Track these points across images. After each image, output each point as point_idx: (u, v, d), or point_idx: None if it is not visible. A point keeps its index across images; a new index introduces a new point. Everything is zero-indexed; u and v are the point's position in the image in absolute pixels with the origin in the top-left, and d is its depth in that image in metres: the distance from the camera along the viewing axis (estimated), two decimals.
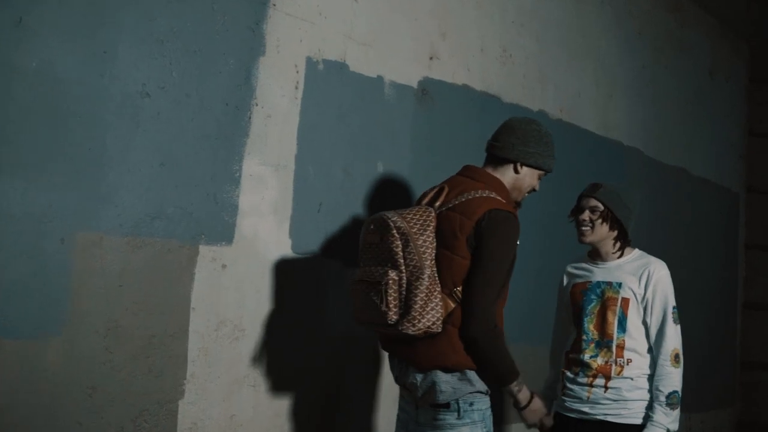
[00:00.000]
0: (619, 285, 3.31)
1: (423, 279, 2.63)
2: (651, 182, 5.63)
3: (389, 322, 2.65)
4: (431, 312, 2.65)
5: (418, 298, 2.63)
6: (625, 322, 3.26)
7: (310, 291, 3.41)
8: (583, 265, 3.45)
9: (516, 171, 2.93)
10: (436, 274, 2.68)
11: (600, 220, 3.30)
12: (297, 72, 3.39)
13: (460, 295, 2.73)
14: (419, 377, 2.78)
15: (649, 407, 3.20)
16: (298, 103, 3.39)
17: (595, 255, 3.43)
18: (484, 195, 2.79)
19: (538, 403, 2.92)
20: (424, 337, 2.69)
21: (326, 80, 3.49)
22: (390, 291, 2.64)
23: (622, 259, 3.38)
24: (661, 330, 3.25)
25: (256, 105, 3.25)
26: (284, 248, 3.35)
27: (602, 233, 3.33)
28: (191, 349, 3.03)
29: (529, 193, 3.00)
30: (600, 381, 3.24)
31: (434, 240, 2.71)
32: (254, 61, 3.24)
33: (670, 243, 5.73)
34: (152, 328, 2.94)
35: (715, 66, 6.43)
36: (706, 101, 6.33)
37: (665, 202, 5.74)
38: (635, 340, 3.27)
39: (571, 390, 3.35)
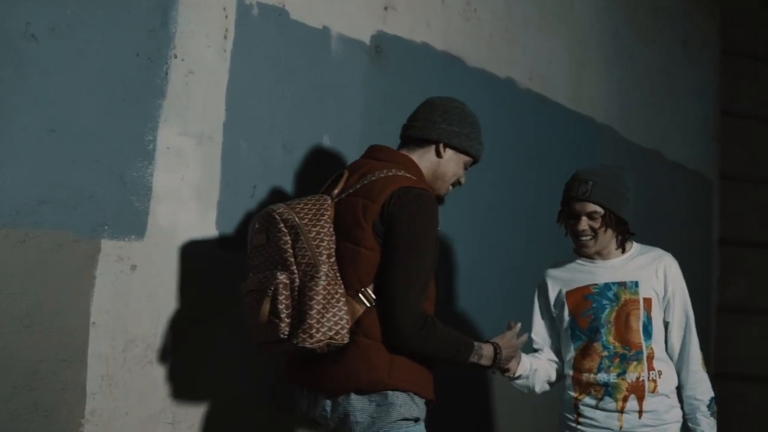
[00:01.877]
0: (636, 284, 3.24)
1: (319, 279, 2.58)
2: (625, 166, 5.36)
3: (282, 335, 2.60)
4: (333, 319, 2.58)
5: (314, 302, 2.56)
6: (651, 327, 3.23)
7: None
8: (576, 265, 3.35)
9: (438, 154, 2.89)
10: (336, 273, 2.63)
11: (602, 228, 3.21)
12: (226, 17, 3.24)
13: (371, 297, 2.66)
14: (329, 406, 2.73)
15: (688, 423, 3.26)
16: (227, 56, 3.22)
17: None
18: (390, 174, 2.75)
19: (505, 347, 2.94)
20: (329, 353, 2.64)
21: (262, 29, 3.36)
22: (280, 297, 2.59)
23: (626, 254, 3.30)
24: (687, 333, 3.25)
25: (175, 57, 3.08)
26: (210, 243, 3.18)
27: (607, 239, 3.25)
28: (91, 377, 2.86)
29: (454, 186, 2.96)
30: (633, 404, 3.20)
31: (331, 232, 2.67)
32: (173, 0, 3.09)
33: (641, 238, 5.33)
34: (39, 351, 2.76)
35: (688, 35, 6.51)
36: (680, 74, 6.42)
37: (639, 190, 5.31)
38: (660, 346, 3.25)
39: (593, 420, 3.26)
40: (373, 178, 2.76)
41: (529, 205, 4.69)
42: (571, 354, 3.31)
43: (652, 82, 6.06)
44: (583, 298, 3.30)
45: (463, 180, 2.97)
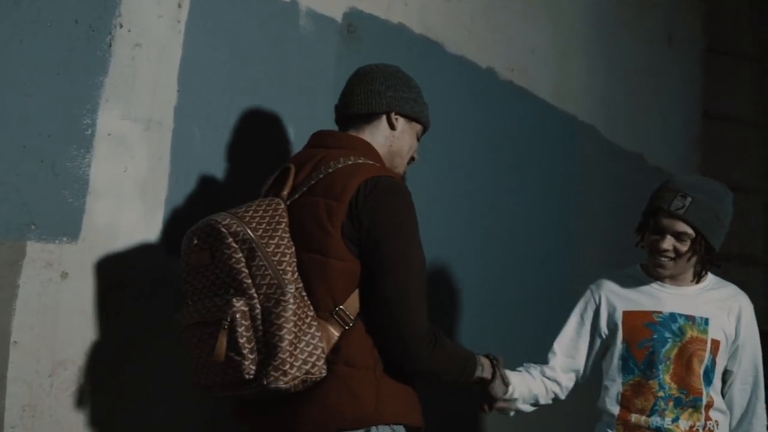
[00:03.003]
0: (706, 321, 3.09)
1: (287, 302, 2.37)
2: (607, 171, 5.66)
3: (247, 376, 2.39)
4: (306, 350, 2.39)
5: (285, 331, 2.35)
6: (713, 373, 3.09)
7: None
8: (640, 284, 3.20)
9: (391, 125, 2.75)
10: (303, 292, 2.44)
11: (688, 253, 3.04)
12: None
13: (348, 317, 2.49)
14: None
15: None
16: (181, 29, 3.07)
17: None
18: (349, 163, 2.59)
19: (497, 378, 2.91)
20: (303, 391, 2.45)
21: None
22: (239, 329, 2.38)
23: (700, 285, 3.16)
24: (755, 390, 3.15)
25: (120, 27, 2.91)
26: (156, 248, 3.02)
27: (687, 265, 3.10)
28: (11, 407, 2.68)
29: (410, 163, 2.85)
30: None
31: (290, 242, 2.47)
32: None
33: (620, 248, 5.34)
34: None
35: (674, 30, 6.55)
36: (664, 72, 6.40)
37: (620, 198, 5.67)
38: (719, 395, 3.13)
39: None
40: (330, 171, 2.58)
41: (510, 203, 4.63)
42: (618, 388, 3.16)
43: (636, 79, 6.07)
44: (643, 325, 3.15)
45: (416, 155, 2.86)
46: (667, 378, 3.07)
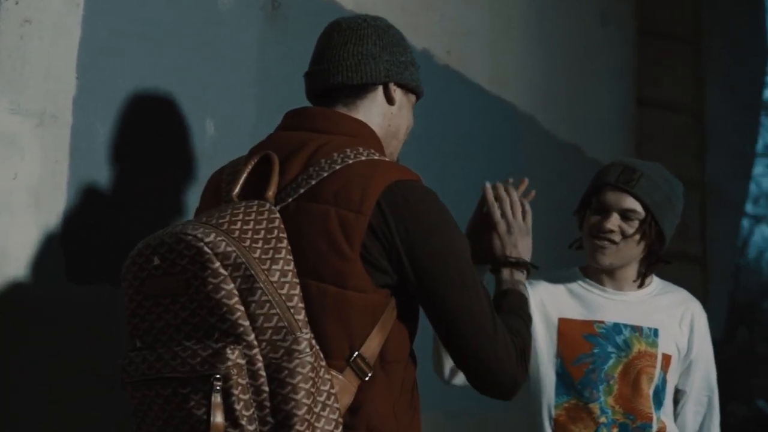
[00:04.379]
0: (656, 333, 2.94)
1: (302, 353, 1.99)
2: (546, 164, 5.64)
3: None
4: (324, 414, 2.02)
5: (302, 394, 1.98)
6: (664, 394, 2.94)
7: (100, 351, 2.89)
8: (578, 286, 3.03)
9: (389, 99, 2.39)
10: (313, 338, 2.05)
11: (636, 236, 2.87)
12: None
13: (368, 364, 2.14)
14: None
15: None
16: (79, 2, 2.86)
17: (599, 275, 3.01)
18: (362, 158, 2.19)
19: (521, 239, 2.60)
20: None
21: None
22: (236, 392, 1.97)
23: (644, 290, 3.01)
24: (710, 413, 3.02)
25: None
26: (54, 271, 2.80)
27: (632, 254, 2.92)
28: None
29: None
30: None
31: (295, 268, 2.07)
32: None
33: (556, 248, 5.42)
34: None
35: (607, 9, 6.66)
36: (599, 56, 6.54)
37: (559, 193, 5.63)
38: (670, 418, 2.99)
39: None
40: (338, 167, 2.18)
41: (449, 195, 4.55)
42: (551, 410, 2.98)
43: (572, 64, 6.14)
44: (582, 337, 2.98)
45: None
46: (611, 400, 2.92)
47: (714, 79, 7.81)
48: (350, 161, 2.17)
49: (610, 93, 6.71)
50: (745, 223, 18.09)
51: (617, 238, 2.88)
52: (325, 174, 2.16)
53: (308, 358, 1.99)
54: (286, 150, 2.23)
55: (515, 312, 2.38)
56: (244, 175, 2.21)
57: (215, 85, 3.30)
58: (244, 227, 2.06)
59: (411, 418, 2.21)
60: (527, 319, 2.39)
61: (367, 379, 2.13)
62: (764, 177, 25.47)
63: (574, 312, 2.99)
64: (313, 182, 2.17)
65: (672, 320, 2.98)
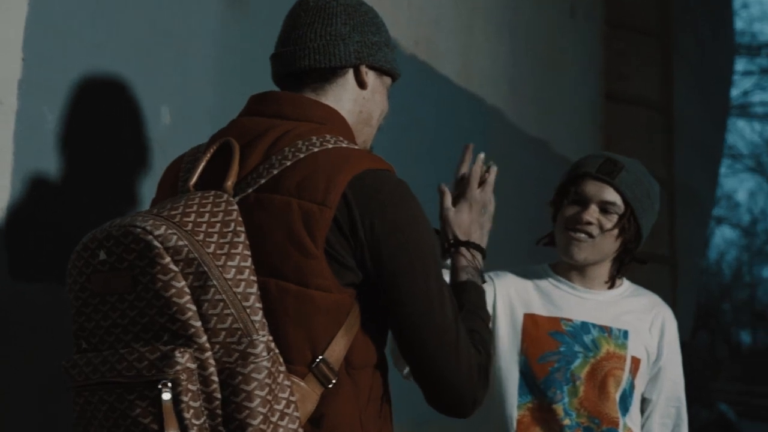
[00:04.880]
0: (625, 335, 2.90)
1: (258, 358, 1.91)
2: (514, 159, 5.66)
3: None
4: (282, 424, 1.93)
5: (257, 402, 1.89)
6: (631, 399, 2.89)
7: (47, 354, 2.81)
8: (547, 283, 2.98)
9: (361, 84, 2.29)
10: (270, 337, 1.96)
11: (613, 231, 2.82)
12: None
13: (332, 370, 2.06)
14: None
15: None
16: None
17: (569, 272, 2.95)
18: (329, 146, 2.11)
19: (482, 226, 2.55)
20: None
21: None
22: (185, 399, 1.89)
23: (616, 291, 2.96)
24: (679, 425, 2.96)
25: None
26: None
27: (607, 250, 2.86)
28: None
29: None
30: None
31: (253, 265, 1.98)
32: None
33: (524, 247, 5.47)
34: None
35: (576, 0, 6.71)
36: (568, 48, 6.61)
37: (527, 189, 5.76)
38: (637, 425, 2.94)
39: None
40: (302, 156, 2.09)
41: (413, 190, 4.58)
42: (513, 411, 2.92)
43: (540, 56, 6.14)
44: (548, 335, 2.91)
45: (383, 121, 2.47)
46: (575, 402, 2.88)
47: (683, 75, 7.83)
48: (316, 149, 2.09)
49: (579, 87, 6.74)
50: None
51: (595, 231, 2.82)
52: (288, 163, 2.08)
53: (264, 363, 1.91)
54: (248, 137, 2.16)
55: (477, 312, 2.32)
56: (203, 164, 2.13)
57: (171, 70, 3.22)
58: (199, 220, 1.98)
59: (380, 428, 2.13)
60: (487, 319, 2.33)
61: (330, 386, 2.06)
62: (726, 177, 25.71)
63: (541, 308, 2.94)
64: (275, 172, 2.09)
65: (642, 324, 2.93)
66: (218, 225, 1.96)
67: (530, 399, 2.90)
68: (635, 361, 2.87)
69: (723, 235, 25.39)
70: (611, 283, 2.94)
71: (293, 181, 2.06)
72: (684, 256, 7.50)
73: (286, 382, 1.94)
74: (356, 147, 2.15)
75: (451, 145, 4.74)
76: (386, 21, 4.21)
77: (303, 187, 2.05)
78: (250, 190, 2.08)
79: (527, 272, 3.03)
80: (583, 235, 2.83)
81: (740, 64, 22.35)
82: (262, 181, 2.08)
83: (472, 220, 2.51)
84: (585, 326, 2.89)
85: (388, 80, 2.35)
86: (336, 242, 2.04)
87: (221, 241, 1.95)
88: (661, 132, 7.28)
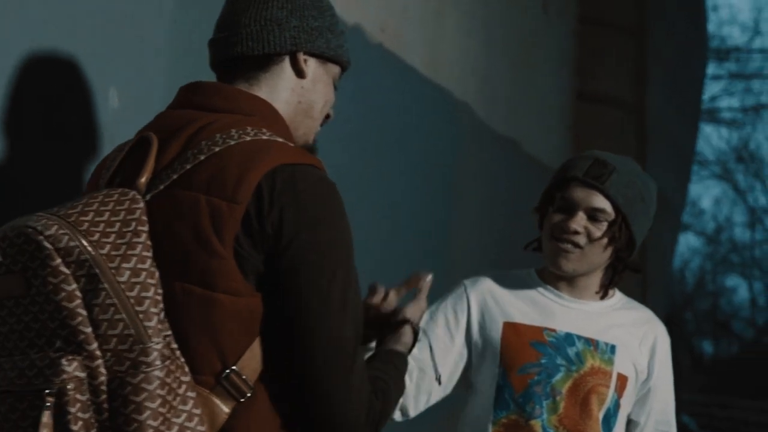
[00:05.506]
0: (612, 350, 2.82)
1: (150, 366, 1.88)
2: (482, 157, 5.66)
3: None
4: None
5: (147, 415, 1.86)
6: (615, 419, 2.83)
7: None
8: (531, 290, 2.90)
9: (299, 72, 2.24)
10: (175, 349, 1.94)
11: (602, 240, 2.73)
12: None
13: (245, 383, 2.00)
14: None
15: None
16: None
17: (556, 280, 2.87)
18: (248, 137, 2.06)
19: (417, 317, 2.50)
20: None
21: None
22: (72, 410, 1.86)
23: (606, 302, 2.88)
24: None
25: None
26: None
27: (597, 260, 2.78)
28: None
29: (323, 122, 2.37)
30: None
31: (154, 266, 1.95)
32: None
33: (487, 250, 5.76)
34: None
35: None
36: (539, 45, 6.58)
37: (495, 189, 5.75)
38: None
39: None
40: (217, 150, 2.03)
41: (376, 182, 4.53)
42: (488, 428, 2.86)
43: (513, 51, 6.11)
44: (530, 344, 2.84)
45: (332, 111, 2.37)
46: (554, 419, 2.81)
47: (656, 76, 7.81)
48: (232, 142, 2.03)
49: (550, 85, 6.72)
50: None
51: (582, 241, 2.74)
52: (203, 157, 2.03)
53: (156, 373, 1.86)
54: (170, 130, 2.10)
55: (394, 364, 2.26)
56: (118, 161, 2.09)
57: (121, 50, 3.09)
58: (97, 219, 1.93)
59: None
60: (400, 382, 2.25)
61: (243, 400, 1.99)
62: (691, 184, 25.94)
63: (523, 316, 2.86)
64: (188, 166, 2.03)
65: (632, 339, 2.86)
66: (118, 224, 1.93)
67: (506, 414, 2.83)
68: (622, 379, 2.81)
69: (687, 243, 25.51)
70: (602, 294, 2.87)
71: (204, 176, 2.01)
72: (654, 263, 7.44)
73: (190, 394, 1.90)
74: (279, 139, 2.08)
75: (416, 137, 4.79)
76: (351, 5, 4.14)
77: (212, 182, 2.00)
78: (162, 187, 2.03)
79: (510, 278, 2.96)
80: (570, 246, 2.75)
81: (708, 68, 22.58)
82: (175, 176, 2.03)
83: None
84: (569, 338, 2.82)
85: (334, 69, 2.30)
86: (246, 242, 1.98)
87: (118, 241, 1.91)
88: (633, 134, 7.27)
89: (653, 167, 7.76)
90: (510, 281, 2.93)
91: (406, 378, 2.64)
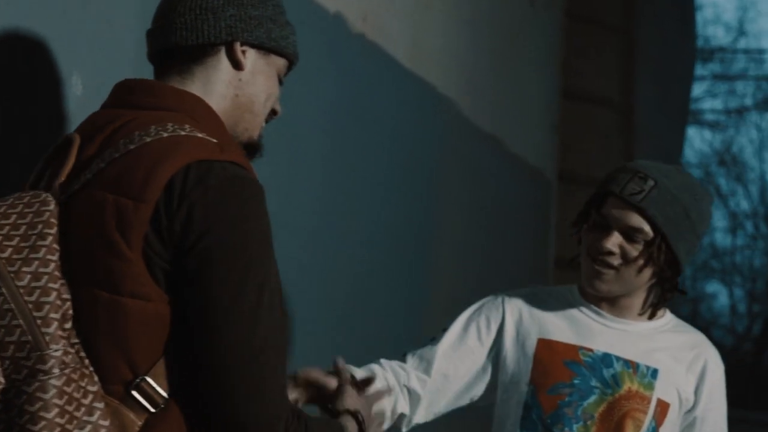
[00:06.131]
0: (654, 374, 2.74)
1: (47, 374, 1.88)
2: (465, 155, 5.62)
3: None
4: None
5: (40, 426, 1.85)
6: None
7: None
8: (570, 307, 2.84)
9: (235, 64, 2.22)
10: (82, 356, 1.94)
11: (639, 261, 2.64)
12: None
13: (157, 393, 1.97)
14: None
15: None
16: None
17: (598, 299, 2.81)
18: (165, 134, 2.04)
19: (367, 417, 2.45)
20: None
21: None
22: None
23: (652, 324, 2.80)
24: None
25: None
26: None
27: (635, 281, 2.70)
28: None
29: (269, 118, 2.33)
30: None
31: (59, 270, 1.97)
32: None
33: (471, 253, 5.77)
34: None
35: None
36: (526, 39, 6.59)
37: (478, 189, 5.74)
38: None
39: None
40: (132, 148, 2.02)
41: (355, 179, 4.49)
42: None
43: (498, 46, 6.13)
44: (563, 363, 2.78)
45: (279, 106, 2.32)
46: None
47: (644, 75, 7.83)
48: (149, 140, 2.01)
49: (536, 82, 6.74)
50: None
51: (616, 261, 2.66)
52: (117, 155, 2.01)
53: (53, 381, 1.85)
54: (96, 130, 2.10)
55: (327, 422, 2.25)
56: (44, 159, 2.13)
57: (87, 33, 3.02)
58: (2, 222, 1.96)
59: None
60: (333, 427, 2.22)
61: (156, 411, 1.96)
62: None
63: (559, 333, 2.80)
64: (103, 165, 2.02)
65: (678, 364, 2.77)
66: (23, 227, 1.94)
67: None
68: (662, 405, 2.74)
69: None
70: (649, 314, 2.81)
71: (113, 174, 1.99)
72: None
73: (97, 404, 1.89)
74: (198, 135, 2.04)
75: (397, 132, 4.77)
76: None
77: (120, 180, 1.98)
78: (76, 188, 2.02)
79: (548, 294, 2.92)
80: (602, 269, 2.69)
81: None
82: (89, 176, 2.01)
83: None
84: (607, 358, 2.76)
85: (278, 61, 2.26)
86: (156, 243, 1.95)
87: (22, 244, 1.93)
88: (619, 135, 7.27)
89: None
90: (549, 297, 2.90)
91: (417, 386, 2.76)
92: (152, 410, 1.95)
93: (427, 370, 2.82)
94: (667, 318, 2.86)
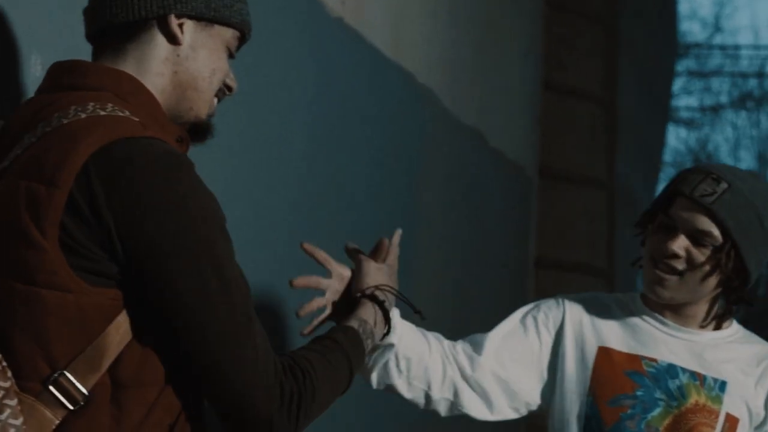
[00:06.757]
0: (722, 387, 2.68)
1: None
2: (446, 149, 5.61)
3: None
4: None
5: None
6: None
7: None
8: (632, 315, 2.79)
9: (171, 38, 2.15)
10: None
11: (705, 266, 2.58)
12: None
13: (77, 390, 1.92)
14: None
15: None
16: None
17: (661, 307, 2.74)
18: (82, 115, 1.98)
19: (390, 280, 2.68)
20: None
21: None
22: None
23: (719, 334, 2.73)
24: None
25: None
26: None
27: (700, 289, 2.64)
28: None
29: (222, 94, 2.25)
30: None
31: None
32: None
33: (452, 248, 5.78)
34: None
35: None
36: (506, 30, 6.59)
37: (460, 185, 5.75)
38: None
39: None
40: (48, 130, 1.98)
41: (333, 170, 4.46)
42: None
43: (480, 35, 6.13)
44: (624, 374, 2.73)
45: (233, 82, 2.24)
46: None
47: (627, 69, 7.85)
48: (66, 121, 1.96)
49: (518, 74, 6.77)
50: None
51: (681, 266, 2.59)
52: (35, 140, 1.98)
53: None
54: (21, 117, 2.07)
55: (326, 342, 2.21)
56: None
57: (47, 12, 2.90)
58: None
59: None
60: (334, 355, 2.19)
61: (76, 408, 1.91)
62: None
63: (620, 342, 2.74)
64: (20, 152, 1.99)
65: (747, 377, 2.69)
66: None
67: None
68: (731, 420, 2.68)
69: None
70: (714, 325, 2.74)
71: (26, 161, 1.95)
72: (621, 268, 7.45)
73: (8, 402, 1.85)
74: (120, 114, 1.98)
75: (377, 123, 4.72)
76: None
77: (32, 165, 1.94)
78: None
79: (609, 300, 2.86)
80: (665, 274, 2.62)
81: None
82: (6, 164, 1.98)
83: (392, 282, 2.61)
84: (672, 369, 2.70)
85: (225, 33, 2.17)
86: (76, 231, 1.89)
87: None
88: (602, 129, 7.28)
89: (622, 166, 7.77)
90: (609, 304, 2.83)
91: (461, 384, 2.74)
92: (71, 408, 1.90)
93: (477, 350, 2.74)
94: (734, 328, 2.79)
